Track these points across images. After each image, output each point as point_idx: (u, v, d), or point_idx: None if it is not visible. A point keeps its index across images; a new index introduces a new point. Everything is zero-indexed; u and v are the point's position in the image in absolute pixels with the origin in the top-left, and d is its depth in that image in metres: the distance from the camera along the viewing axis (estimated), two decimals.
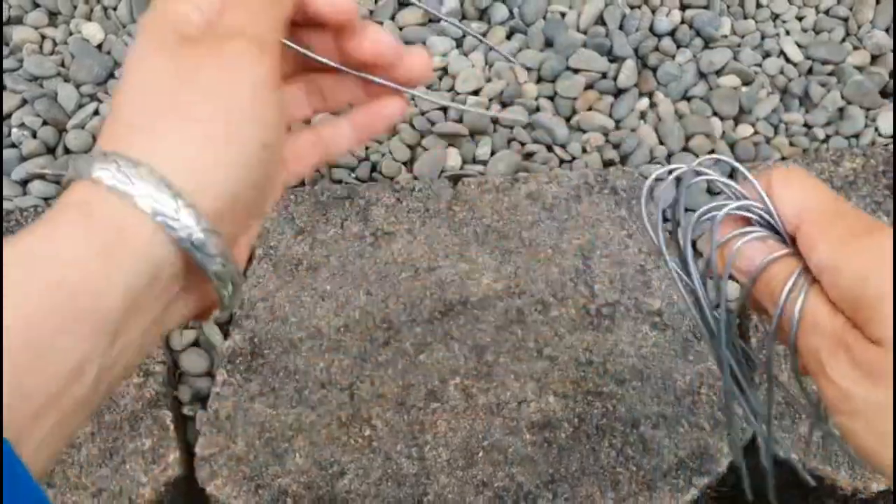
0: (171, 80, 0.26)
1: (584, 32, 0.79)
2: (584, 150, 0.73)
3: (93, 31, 0.77)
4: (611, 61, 0.77)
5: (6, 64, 0.75)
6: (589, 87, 0.76)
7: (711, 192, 0.72)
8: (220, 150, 0.26)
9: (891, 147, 0.73)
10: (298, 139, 0.33)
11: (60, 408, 0.23)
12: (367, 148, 0.72)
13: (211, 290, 0.27)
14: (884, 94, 0.77)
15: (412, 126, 0.72)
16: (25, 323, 0.22)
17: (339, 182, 0.71)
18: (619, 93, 0.76)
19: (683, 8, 0.81)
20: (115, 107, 0.27)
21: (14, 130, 0.71)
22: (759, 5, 0.82)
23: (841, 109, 0.76)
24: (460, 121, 0.73)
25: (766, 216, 0.30)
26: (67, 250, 0.24)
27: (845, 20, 0.81)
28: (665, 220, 0.32)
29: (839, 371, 0.27)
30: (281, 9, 0.29)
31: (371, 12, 0.80)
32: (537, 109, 0.74)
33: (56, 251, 0.24)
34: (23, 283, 0.23)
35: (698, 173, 0.31)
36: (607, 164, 0.72)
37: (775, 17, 0.82)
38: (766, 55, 0.79)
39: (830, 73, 0.78)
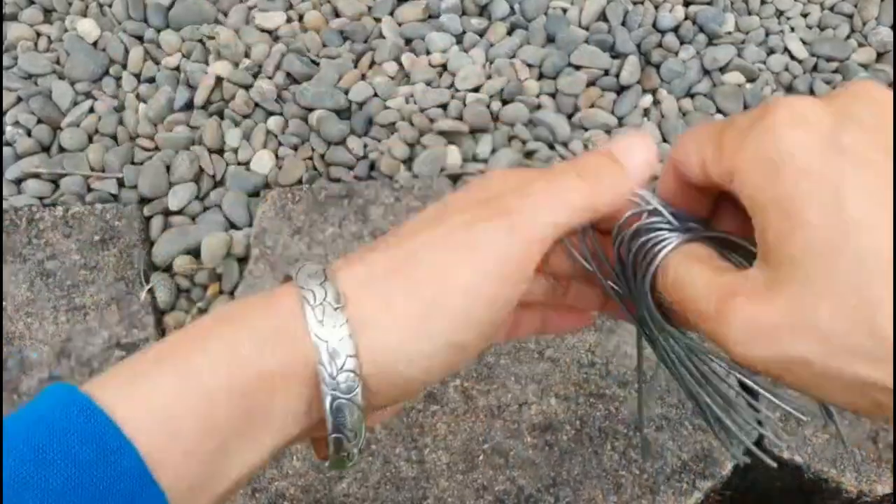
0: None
1: (587, 28, 0.78)
2: (586, 148, 0.72)
3: (88, 28, 0.76)
4: (613, 58, 0.76)
5: (1, 61, 0.75)
6: (591, 83, 0.75)
7: None
8: (412, 338, 0.26)
9: None
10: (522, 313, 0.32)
11: None
12: (365, 146, 0.71)
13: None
14: None
15: (411, 123, 0.71)
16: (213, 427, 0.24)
17: (338, 181, 0.70)
18: (621, 90, 0.75)
19: (687, 4, 0.80)
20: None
21: (8, 128, 0.71)
22: (763, 2, 0.81)
23: None
24: (461, 118, 0.72)
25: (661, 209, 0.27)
26: (248, 360, 0.25)
27: (850, 17, 0.80)
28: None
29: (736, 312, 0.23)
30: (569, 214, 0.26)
31: (370, 8, 0.79)
32: (539, 107, 0.73)
33: (238, 356, 0.25)
34: (210, 376, 0.24)
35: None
36: None
37: (780, 13, 0.81)
38: (771, 52, 0.78)
39: (835, 71, 0.77)
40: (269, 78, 0.74)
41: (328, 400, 0.25)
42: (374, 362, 0.25)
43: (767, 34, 0.79)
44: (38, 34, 0.77)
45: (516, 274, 0.26)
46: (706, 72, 0.76)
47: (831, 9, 0.81)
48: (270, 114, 0.72)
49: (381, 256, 0.27)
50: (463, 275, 0.26)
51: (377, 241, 0.28)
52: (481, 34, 0.78)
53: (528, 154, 0.72)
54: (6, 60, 0.75)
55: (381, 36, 0.77)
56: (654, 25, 0.78)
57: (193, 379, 0.24)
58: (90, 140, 0.71)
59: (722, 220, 0.28)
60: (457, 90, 0.73)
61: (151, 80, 0.74)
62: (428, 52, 0.76)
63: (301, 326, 0.25)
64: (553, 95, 0.74)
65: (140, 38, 0.76)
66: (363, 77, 0.75)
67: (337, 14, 0.79)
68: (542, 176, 0.27)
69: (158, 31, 0.76)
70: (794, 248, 0.21)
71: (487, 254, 0.25)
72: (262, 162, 0.70)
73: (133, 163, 0.70)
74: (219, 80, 0.73)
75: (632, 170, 0.27)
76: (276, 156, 0.71)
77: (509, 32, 0.78)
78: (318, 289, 0.25)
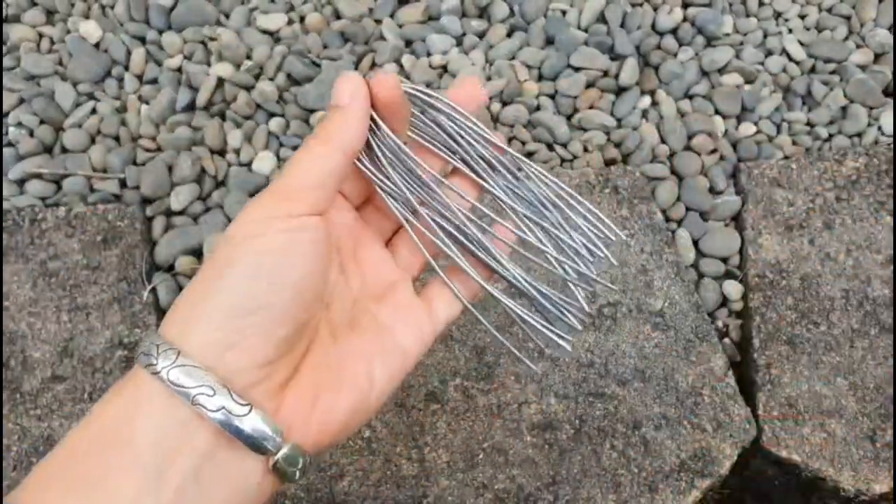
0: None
1: (586, 30, 0.78)
2: (585, 149, 0.72)
3: (90, 30, 0.76)
4: (612, 59, 0.76)
5: (3, 62, 0.75)
6: (590, 85, 0.75)
7: (713, 190, 0.71)
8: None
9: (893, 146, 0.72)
10: (411, 309, 0.36)
11: None
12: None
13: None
14: (887, 92, 0.76)
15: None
16: None
17: None
18: (620, 91, 0.75)
19: (685, 6, 0.80)
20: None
21: (11, 129, 0.71)
22: (761, 3, 0.81)
23: (844, 108, 0.76)
24: None
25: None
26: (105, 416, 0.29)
27: (848, 18, 0.80)
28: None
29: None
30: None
31: (371, 10, 0.79)
32: (538, 108, 0.74)
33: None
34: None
35: None
36: (609, 162, 0.72)
37: (777, 15, 0.81)
38: (769, 53, 0.78)
39: (833, 72, 0.77)
40: (271, 79, 0.74)
41: (205, 413, 0.28)
42: (208, 342, 0.29)
43: (765, 36, 0.80)
44: (41, 35, 0.77)
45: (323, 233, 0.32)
46: (704, 73, 0.77)
47: (829, 10, 0.81)
48: (272, 115, 0.73)
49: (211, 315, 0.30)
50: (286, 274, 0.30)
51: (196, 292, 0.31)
52: (481, 36, 0.78)
53: (528, 155, 0.72)
54: (8, 62, 0.75)
55: (382, 38, 0.78)
56: (652, 27, 0.78)
57: None
58: (92, 141, 0.71)
59: None
60: None
61: (153, 82, 0.75)
62: (428, 54, 0.77)
63: (212, 437, 0.28)
64: (552, 97, 0.75)
65: (142, 40, 0.77)
66: None
67: (338, 16, 0.79)
68: (295, 154, 0.33)
69: (160, 32, 0.77)
70: None
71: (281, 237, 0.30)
72: (264, 163, 0.70)
73: (135, 163, 0.70)
74: (220, 81, 0.73)
75: (344, 102, 0.33)
76: (278, 157, 0.71)
77: (509, 34, 0.78)
78: (209, 391, 0.28)
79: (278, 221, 0.30)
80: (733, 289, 0.66)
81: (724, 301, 0.67)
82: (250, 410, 0.28)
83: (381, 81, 0.33)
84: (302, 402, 0.31)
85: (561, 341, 0.37)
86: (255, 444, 0.28)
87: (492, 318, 0.62)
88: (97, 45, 0.76)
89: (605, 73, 0.75)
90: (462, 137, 0.36)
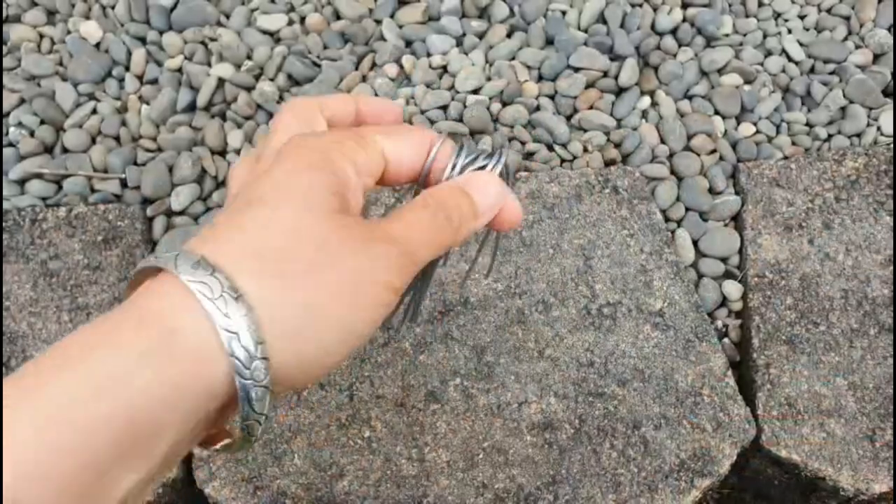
0: (319, 240, 0.27)
1: (585, 31, 0.78)
2: (585, 150, 0.72)
3: (91, 30, 0.76)
4: (612, 60, 0.76)
5: (4, 62, 0.75)
6: (590, 85, 0.75)
7: (713, 190, 0.71)
8: (319, 325, 0.26)
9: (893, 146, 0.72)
10: None
11: None
12: None
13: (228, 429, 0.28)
14: (886, 93, 0.77)
15: (412, 124, 0.72)
16: (90, 449, 0.22)
17: None
18: (620, 91, 0.75)
19: (685, 6, 0.80)
20: (251, 220, 0.27)
21: (12, 129, 0.71)
22: (760, 4, 0.81)
23: (843, 108, 0.76)
24: (461, 119, 0.72)
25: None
26: (140, 377, 0.23)
27: (847, 19, 0.80)
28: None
29: None
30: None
31: (371, 11, 0.79)
32: (538, 108, 0.74)
33: (129, 375, 0.23)
34: (90, 404, 0.23)
35: None
36: (608, 163, 0.72)
37: (777, 15, 0.81)
38: (768, 54, 0.78)
39: (832, 72, 0.77)
40: (271, 80, 0.74)
41: (244, 392, 0.25)
42: (279, 348, 0.25)
43: (765, 36, 0.80)
44: (41, 36, 0.77)
45: (396, 287, 0.28)
46: (704, 74, 0.77)
47: (829, 11, 0.81)
48: (272, 115, 0.73)
49: (255, 233, 0.27)
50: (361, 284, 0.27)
51: (233, 210, 0.28)
52: (481, 36, 0.78)
53: (528, 155, 0.72)
54: (9, 62, 0.75)
55: (382, 38, 0.78)
56: (652, 28, 0.79)
57: (66, 414, 0.22)
58: (93, 141, 0.71)
59: None
60: (457, 92, 0.74)
61: (154, 82, 0.75)
62: (428, 55, 0.77)
63: (197, 323, 0.24)
64: (552, 97, 0.75)
65: (143, 40, 0.77)
66: (364, 79, 0.75)
67: (338, 16, 0.79)
68: (424, 221, 0.30)
69: (161, 32, 0.77)
70: None
71: (379, 269, 0.28)
72: None
73: (136, 164, 0.70)
74: (221, 81, 0.73)
75: (483, 213, 0.32)
76: None
77: (509, 35, 0.78)
78: (211, 280, 0.25)
79: (392, 294, 0.28)
80: (733, 289, 0.67)
81: (724, 301, 0.67)
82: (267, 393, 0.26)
83: (511, 209, 0.32)
84: None
85: None
86: (251, 422, 0.26)
87: (492, 317, 0.62)
88: (98, 46, 0.76)
89: (605, 74, 0.75)
90: None
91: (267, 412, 0.26)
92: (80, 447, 0.22)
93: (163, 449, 0.24)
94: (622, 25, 0.78)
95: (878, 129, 0.75)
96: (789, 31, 0.80)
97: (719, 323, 0.66)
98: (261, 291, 0.25)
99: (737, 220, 0.70)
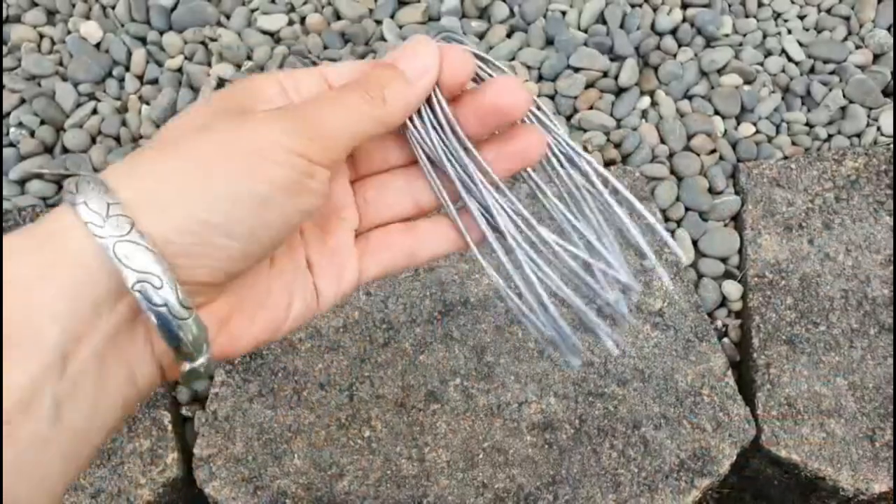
0: (203, 121, 0.27)
1: (585, 31, 0.78)
2: (585, 149, 0.72)
3: (91, 30, 0.76)
4: (612, 60, 0.76)
5: (4, 63, 0.75)
6: (590, 85, 0.75)
7: (713, 190, 0.71)
8: (203, 187, 0.25)
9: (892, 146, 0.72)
10: (388, 231, 0.33)
11: (13, 442, 0.22)
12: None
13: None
14: (886, 93, 0.77)
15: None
16: None
17: None
18: (620, 91, 0.75)
19: (685, 6, 0.80)
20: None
21: (12, 129, 0.71)
22: (760, 4, 0.81)
23: (843, 108, 0.76)
24: None
25: None
26: (11, 270, 0.23)
27: (847, 19, 0.80)
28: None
29: None
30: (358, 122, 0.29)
31: (371, 11, 0.79)
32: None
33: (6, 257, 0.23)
34: None
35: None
36: (608, 163, 0.72)
37: (777, 15, 0.81)
38: (768, 54, 0.78)
39: (832, 72, 0.77)
40: None
41: (145, 306, 0.24)
42: (153, 219, 0.24)
43: (765, 36, 0.80)
44: (42, 36, 0.77)
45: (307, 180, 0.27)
46: (704, 74, 0.77)
47: (828, 11, 0.81)
48: None
49: (155, 155, 0.26)
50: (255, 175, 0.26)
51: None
52: (481, 36, 0.78)
53: None
54: (9, 62, 0.75)
55: (383, 38, 0.78)
56: (652, 28, 0.79)
57: None
58: (93, 141, 0.71)
59: None
60: None
61: (154, 82, 0.75)
62: None
63: (64, 216, 0.24)
64: (552, 97, 0.75)
65: (143, 40, 0.77)
66: None
67: (338, 16, 0.79)
68: (331, 96, 0.29)
69: (161, 32, 0.77)
70: None
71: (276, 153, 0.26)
72: None
73: None
74: (221, 81, 0.73)
75: (415, 78, 0.29)
76: None
77: (509, 35, 0.78)
78: (90, 189, 0.24)
79: (292, 157, 0.26)
80: (733, 289, 0.67)
81: (724, 301, 0.67)
82: (190, 315, 0.25)
83: (455, 62, 0.30)
84: (215, 317, 0.28)
85: (607, 338, 0.35)
86: (180, 348, 0.25)
87: (492, 317, 0.62)
88: (98, 46, 0.76)
89: (605, 74, 0.76)
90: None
91: (188, 328, 0.25)
92: None
93: (53, 337, 0.23)
94: (622, 26, 0.78)
95: (878, 129, 0.75)
96: (789, 32, 0.80)
97: (719, 323, 0.66)
98: (131, 171, 0.25)
99: (737, 220, 0.70)
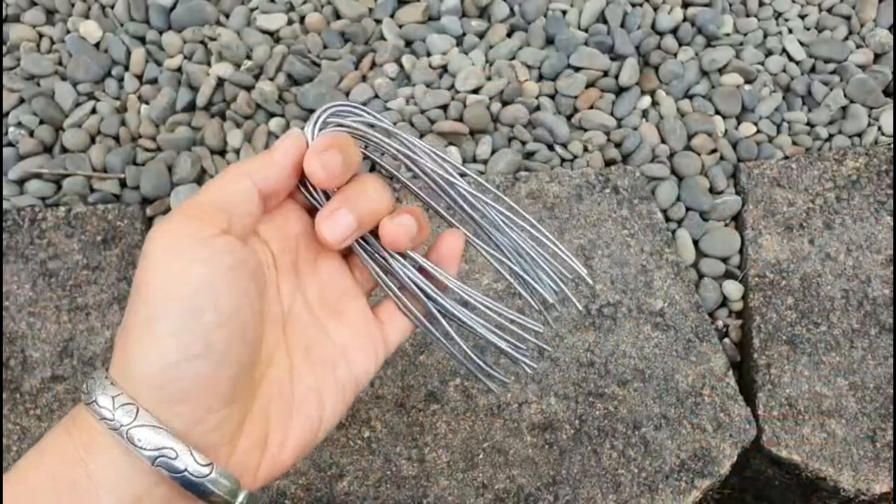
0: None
1: (586, 30, 0.78)
2: (585, 149, 0.72)
3: (90, 30, 0.76)
4: (612, 59, 0.76)
5: (3, 62, 0.75)
6: (590, 85, 0.75)
7: (713, 190, 0.71)
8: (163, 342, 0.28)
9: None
10: (361, 330, 0.35)
11: None
12: (365, 146, 0.71)
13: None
14: (887, 92, 0.76)
15: (412, 124, 0.72)
16: None
17: None
18: (620, 91, 0.75)
19: (685, 6, 0.80)
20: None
21: (11, 129, 0.71)
22: (761, 3, 0.81)
23: (844, 108, 0.76)
24: (461, 119, 0.72)
25: None
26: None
27: (848, 18, 0.80)
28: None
29: None
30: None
31: (370, 10, 0.79)
32: (538, 108, 0.74)
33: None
34: None
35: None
36: (609, 163, 0.72)
37: (778, 14, 0.81)
38: (769, 53, 0.78)
39: (833, 72, 0.77)
40: (271, 79, 0.74)
41: (168, 476, 0.28)
42: (158, 398, 0.28)
43: (765, 36, 0.80)
44: (41, 35, 0.77)
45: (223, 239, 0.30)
46: (704, 73, 0.77)
47: (829, 10, 0.81)
48: (272, 115, 0.73)
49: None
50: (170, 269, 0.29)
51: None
52: (481, 36, 0.78)
53: (528, 155, 0.72)
54: (8, 61, 0.75)
55: (382, 38, 0.78)
56: (652, 27, 0.78)
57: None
58: (92, 141, 0.71)
59: None
60: (457, 91, 0.74)
61: (153, 82, 0.75)
62: (428, 54, 0.76)
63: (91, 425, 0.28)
64: (552, 97, 0.75)
65: (142, 40, 0.77)
66: (364, 78, 0.75)
67: (338, 16, 0.79)
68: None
69: (160, 32, 0.77)
70: None
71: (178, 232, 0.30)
72: None
73: (135, 163, 0.70)
74: (220, 81, 0.73)
75: (279, 157, 0.33)
76: None
77: (509, 34, 0.78)
78: (171, 452, 0.28)
79: (191, 249, 0.29)
80: (733, 289, 0.66)
81: (724, 301, 0.67)
82: (211, 470, 0.28)
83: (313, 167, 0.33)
84: (253, 445, 0.31)
85: (527, 360, 0.39)
86: (213, 500, 0.29)
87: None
88: (97, 45, 0.76)
89: (605, 73, 0.75)
90: (417, 160, 0.36)
91: (193, 464, 0.28)
92: None
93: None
94: (622, 25, 0.78)
95: (879, 128, 0.75)
96: (790, 31, 0.80)
97: (720, 323, 0.66)
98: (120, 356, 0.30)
99: (737, 219, 0.70)
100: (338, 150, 0.32)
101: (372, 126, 0.35)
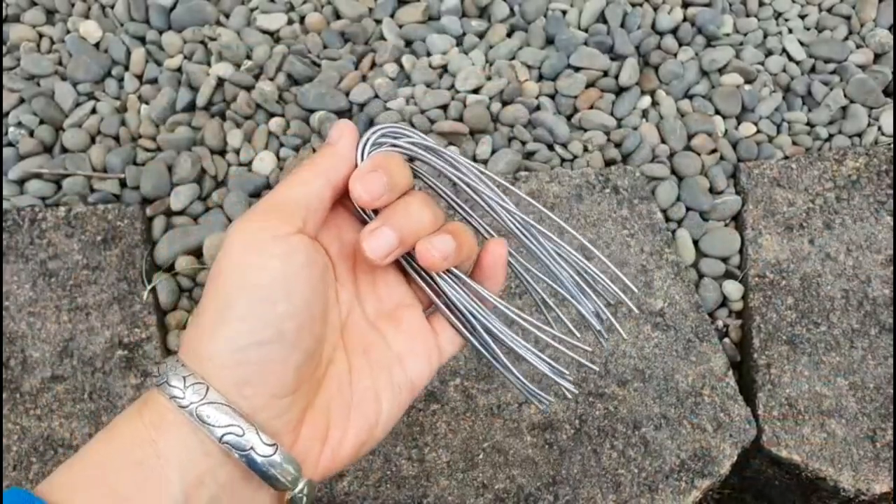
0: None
1: (586, 30, 0.78)
2: (585, 149, 0.72)
3: (90, 30, 0.76)
4: (612, 59, 0.76)
5: (4, 62, 0.75)
6: (590, 85, 0.75)
7: (713, 190, 0.71)
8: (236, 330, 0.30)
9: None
10: (415, 336, 0.36)
11: None
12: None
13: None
14: (887, 92, 0.76)
15: (412, 124, 0.72)
16: None
17: None
18: (620, 91, 0.75)
19: (685, 6, 0.80)
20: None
21: (11, 129, 0.71)
22: (761, 3, 0.81)
23: (844, 108, 0.76)
24: (461, 119, 0.72)
25: None
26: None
27: (848, 18, 0.80)
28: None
29: None
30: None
31: (370, 10, 0.79)
32: (538, 108, 0.74)
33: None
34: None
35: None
36: (609, 162, 0.72)
37: (778, 14, 0.81)
38: (769, 53, 0.78)
39: (833, 72, 0.77)
40: (271, 79, 0.74)
41: (235, 454, 0.29)
42: (228, 378, 0.29)
43: (765, 35, 0.80)
44: (41, 35, 0.77)
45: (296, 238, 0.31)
46: (704, 73, 0.77)
47: (829, 10, 0.81)
48: (272, 115, 0.73)
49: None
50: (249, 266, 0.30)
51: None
52: (481, 36, 0.78)
53: (528, 155, 0.72)
54: (8, 61, 0.75)
55: (382, 38, 0.78)
56: (652, 27, 0.78)
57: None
58: (92, 141, 0.71)
59: None
60: (457, 91, 0.74)
61: (153, 82, 0.75)
62: (428, 54, 0.76)
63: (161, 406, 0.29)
64: (552, 97, 0.75)
65: (142, 40, 0.77)
66: (364, 78, 0.75)
67: (338, 16, 0.79)
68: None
69: (160, 32, 0.77)
70: None
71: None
72: (264, 163, 0.70)
73: (135, 163, 0.70)
74: (220, 81, 0.73)
75: (344, 149, 0.34)
76: (278, 157, 0.71)
77: (509, 34, 0.78)
78: (237, 430, 0.29)
79: (269, 245, 0.30)
80: (733, 289, 0.66)
81: (725, 301, 0.67)
82: (276, 451, 0.29)
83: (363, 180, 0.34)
84: (315, 436, 0.32)
85: (565, 383, 0.40)
86: (275, 482, 0.30)
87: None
88: (97, 45, 0.76)
89: (605, 73, 0.75)
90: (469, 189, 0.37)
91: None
92: None
93: (176, 488, 0.28)
94: (622, 25, 0.78)
95: (879, 128, 0.75)
96: (790, 31, 0.80)
97: (720, 323, 0.66)
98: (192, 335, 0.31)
99: (737, 219, 0.70)
100: (383, 172, 0.33)
101: (424, 147, 0.36)
